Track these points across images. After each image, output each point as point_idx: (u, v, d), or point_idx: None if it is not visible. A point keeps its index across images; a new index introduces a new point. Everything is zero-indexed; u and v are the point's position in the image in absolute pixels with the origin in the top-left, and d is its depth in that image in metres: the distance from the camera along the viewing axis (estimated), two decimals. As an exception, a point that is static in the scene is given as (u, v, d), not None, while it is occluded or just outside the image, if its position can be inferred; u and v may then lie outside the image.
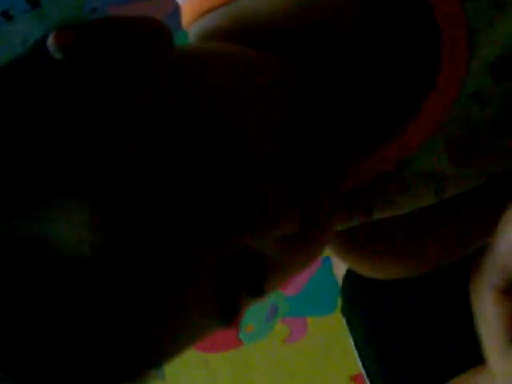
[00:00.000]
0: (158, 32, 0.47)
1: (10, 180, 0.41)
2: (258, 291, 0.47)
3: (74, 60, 0.43)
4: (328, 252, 0.86)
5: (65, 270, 0.41)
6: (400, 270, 0.62)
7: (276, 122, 0.48)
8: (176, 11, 0.64)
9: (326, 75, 0.55)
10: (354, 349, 0.78)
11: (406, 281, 0.64)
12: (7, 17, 2.18)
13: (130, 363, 0.45)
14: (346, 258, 0.65)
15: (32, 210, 0.41)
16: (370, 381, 0.76)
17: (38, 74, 0.44)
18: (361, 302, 0.75)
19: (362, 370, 0.77)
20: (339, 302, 0.82)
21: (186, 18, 0.60)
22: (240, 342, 1.62)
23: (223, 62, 0.49)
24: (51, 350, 0.42)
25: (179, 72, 0.46)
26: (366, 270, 0.64)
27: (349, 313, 0.78)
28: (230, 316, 0.46)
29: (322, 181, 0.49)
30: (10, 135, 0.42)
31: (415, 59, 0.55)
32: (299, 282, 1.63)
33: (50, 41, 0.42)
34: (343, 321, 0.80)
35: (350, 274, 0.79)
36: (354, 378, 1.56)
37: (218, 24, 0.57)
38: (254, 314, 1.64)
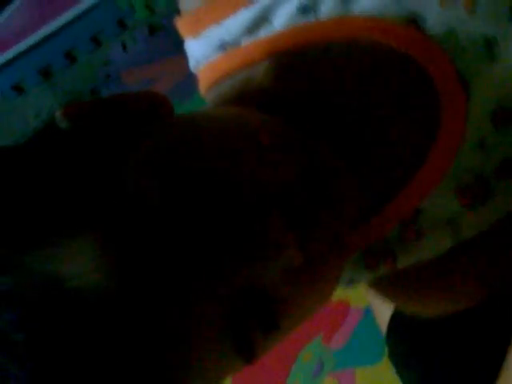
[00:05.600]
0: (159, 103, 0.53)
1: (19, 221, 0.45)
2: (271, 325, 0.49)
3: (80, 129, 0.49)
4: (367, 301, 0.86)
5: (79, 308, 0.44)
6: (443, 305, 0.64)
7: (273, 172, 0.51)
8: (190, 74, 0.67)
9: (330, 132, 0.59)
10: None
11: (455, 319, 0.65)
12: (19, 90, 2.23)
13: None
14: (393, 297, 0.67)
15: (44, 250, 0.44)
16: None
17: (50, 143, 0.49)
18: (409, 343, 0.75)
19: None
20: (385, 349, 0.81)
21: (201, 85, 0.66)
22: (289, 401, 1.60)
23: (217, 123, 0.54)
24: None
25: (175, 132, 0.52)
26: (413, 307, 0.66)
27: (397, 356, 0.77)
28: (246, 352, 0.49)
29: (318, 217, 0.52)
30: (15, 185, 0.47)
31: (416, 115, 0.59)
32: (343, 335, 1.62)
33: (58, 114, 0.49)
34: (392, 368, 0.79)
35: (395, 318, 0.78)
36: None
37: (227, 91, 0.63)
38: (300, 371, 1.63)
